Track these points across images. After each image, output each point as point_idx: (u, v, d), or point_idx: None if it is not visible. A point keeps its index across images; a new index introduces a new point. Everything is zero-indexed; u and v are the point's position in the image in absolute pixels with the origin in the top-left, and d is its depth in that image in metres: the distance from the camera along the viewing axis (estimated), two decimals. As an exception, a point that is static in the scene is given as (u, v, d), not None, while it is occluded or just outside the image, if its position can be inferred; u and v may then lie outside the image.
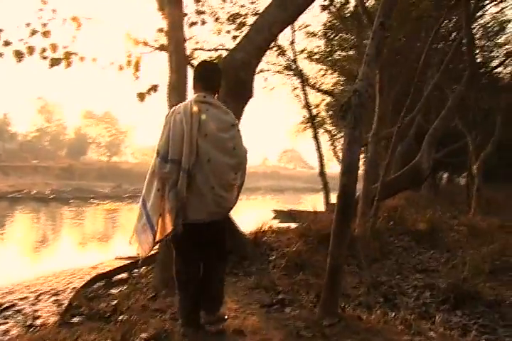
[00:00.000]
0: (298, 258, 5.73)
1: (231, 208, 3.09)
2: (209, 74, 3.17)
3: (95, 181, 48.81)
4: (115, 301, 4.07)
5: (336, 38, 15.53)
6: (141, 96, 5.75)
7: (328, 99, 19.19)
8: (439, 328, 3.92)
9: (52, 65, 5.73)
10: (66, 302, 4.74)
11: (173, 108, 3.00)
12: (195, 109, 2.90)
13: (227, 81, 5.21)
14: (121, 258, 11.45)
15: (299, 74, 14.17)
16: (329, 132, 20.22)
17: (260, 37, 5.25)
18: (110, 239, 15.97)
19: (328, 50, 15.67)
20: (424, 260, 7.65)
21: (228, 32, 10.41)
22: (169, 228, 2.87)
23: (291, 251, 5.82)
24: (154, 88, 5.75)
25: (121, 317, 3.43)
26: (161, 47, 7.95)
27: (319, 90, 16.61)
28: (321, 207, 18.83)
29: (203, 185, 2.84)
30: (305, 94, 14.54)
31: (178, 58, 4.71)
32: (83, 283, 5.65)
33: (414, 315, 4.26)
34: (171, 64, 4.75)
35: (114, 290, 5.22)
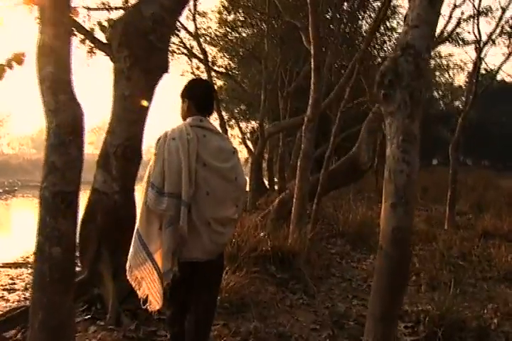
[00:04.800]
0: (236, 295, 4.28)
1: (226, 244, 2.82)
2: (204, 94, 2.77)
3: (-35, 176, 43.65)
4: None
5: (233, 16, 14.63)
6: (-1, 71, 3.74)
7: (219, 82, 17.94)
8: None
9: None
10: None
11: (165, 132, 2.60)
12: (191, 135, 2.54)
13: (132, 48, 3.69)
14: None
15: (203, 52, 12.51)
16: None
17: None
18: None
19: (222, 30, 15.01)
20: (370, 270, 6.58)
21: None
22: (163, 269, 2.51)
23: (228, 286, 4.30)
24: (18, 58, 3.76)
25: None
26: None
27: (217, 72, 15.31)
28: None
29: (198, 220, 2.50)
30: (210, 76, 12.95)
31: (57, 3, 2.80)
32: None
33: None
34: (43, 13, 2.82)
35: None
